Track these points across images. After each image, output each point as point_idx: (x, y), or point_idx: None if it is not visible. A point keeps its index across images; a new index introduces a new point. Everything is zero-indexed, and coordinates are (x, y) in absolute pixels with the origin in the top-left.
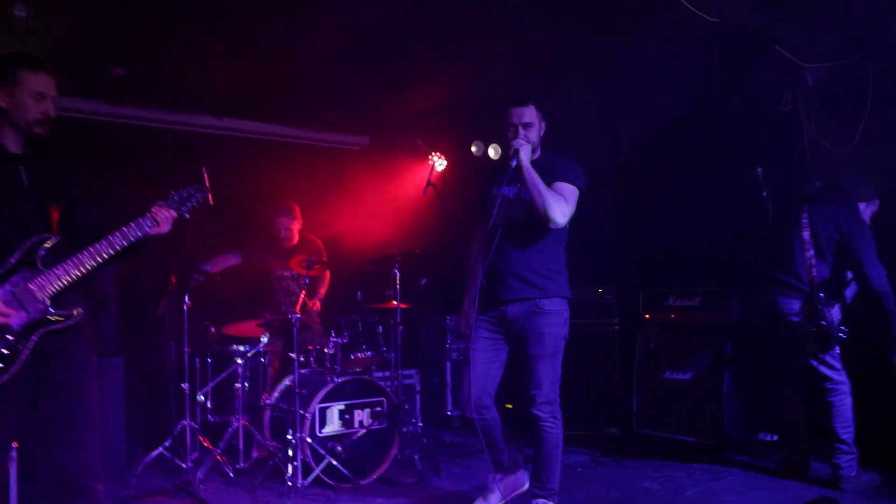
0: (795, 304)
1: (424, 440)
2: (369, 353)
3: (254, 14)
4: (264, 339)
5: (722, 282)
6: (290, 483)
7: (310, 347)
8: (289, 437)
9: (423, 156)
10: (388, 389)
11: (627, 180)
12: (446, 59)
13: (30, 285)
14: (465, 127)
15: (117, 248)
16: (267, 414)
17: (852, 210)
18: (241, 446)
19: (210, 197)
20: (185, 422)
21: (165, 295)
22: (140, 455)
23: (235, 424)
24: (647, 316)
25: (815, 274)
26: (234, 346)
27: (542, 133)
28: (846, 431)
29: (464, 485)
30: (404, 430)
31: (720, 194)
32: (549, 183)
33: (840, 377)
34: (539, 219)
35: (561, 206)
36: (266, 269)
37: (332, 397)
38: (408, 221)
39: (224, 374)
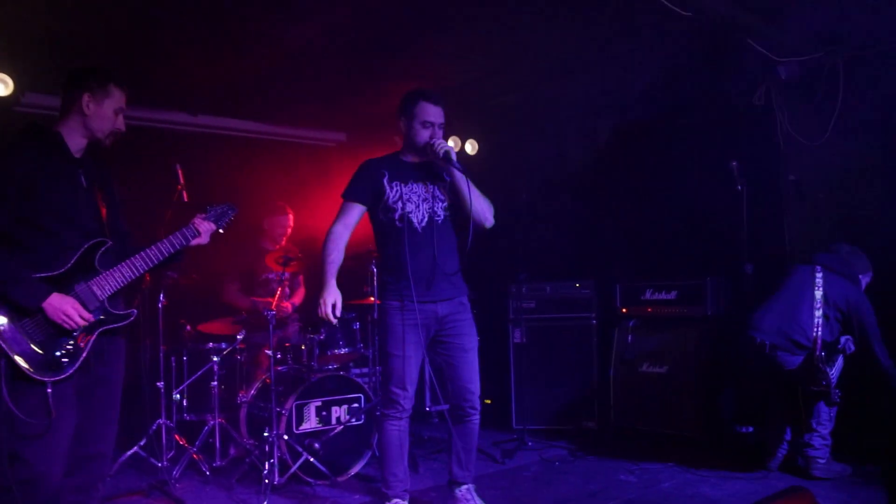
0: (798, 360)
1: None
2: (346, 349)
3: (227, 10)
4: (239, 337)
5: (698, 275)
6: (266, 481)
7: (287, 345)
8: (265, 434)
9: None
10: (366, 386)
11: (604, 173)
12: (421, 54)
13: (91, 286)
14: None
15: (164, 254)
16: (243, 412)
17: (858, 286)
18: (217, 444)
19: (185, 194)
20: (160, 420)
21: (140, 293)
22: (115, 454)
23: (211, 423)
24: (624, 310)
25: (819, 333)
26: (210, 344)
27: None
28: (824, 422)
29: (441, 479)
30: None
31: (696, 188)
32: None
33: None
34: (473, 219)
35: (491, 208)
36: (255, 271)
37: (308, 394)
38: None
39: (200, 373)
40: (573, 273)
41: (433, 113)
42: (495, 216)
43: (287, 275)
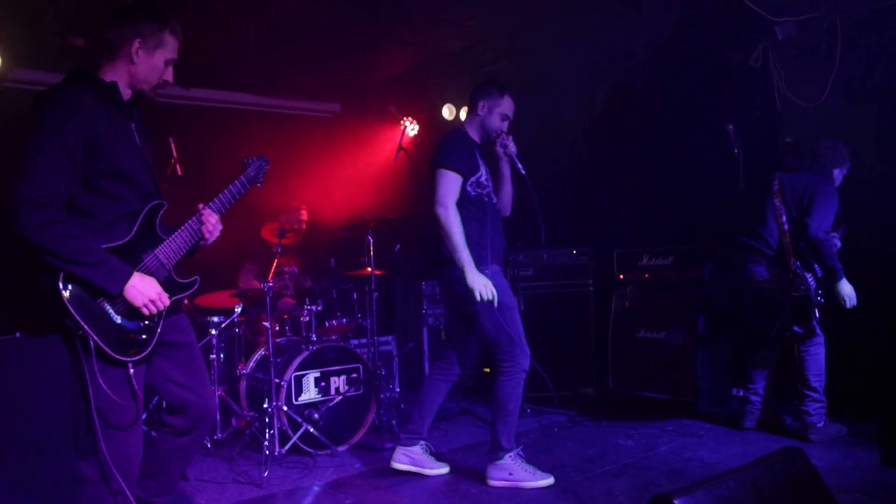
0: (764, 271)
1: (402, 405)
2: (344, 319)
3: None
4: (237, 310)
5: (695, 240)
6: (267, 452)
7: (285, 316)
8: (265, 406)
9: (395, 121)
10: (364, 356)
11: (601, 139)
12: (415, 21)
13: (158, 255)
14: (435, 90)
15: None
16: (243, 384)
17: (825, 176)
18: (217, 417)
19: (178, 168)
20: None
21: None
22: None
23: None
24: (621, 276)
25: (789, 241)
26: (208, 318)
27: None
28: (817, 380)
29: (441, 447)
30: (381, 396)
31: (692, 151)
32: None
33: (814, 334)
34: (504, 209)
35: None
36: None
37: (307, 365)
38: (381, 187)
39: (198, 345)
40: (570, 240)
41: (512, 108)
42: None
43: (280, 247)
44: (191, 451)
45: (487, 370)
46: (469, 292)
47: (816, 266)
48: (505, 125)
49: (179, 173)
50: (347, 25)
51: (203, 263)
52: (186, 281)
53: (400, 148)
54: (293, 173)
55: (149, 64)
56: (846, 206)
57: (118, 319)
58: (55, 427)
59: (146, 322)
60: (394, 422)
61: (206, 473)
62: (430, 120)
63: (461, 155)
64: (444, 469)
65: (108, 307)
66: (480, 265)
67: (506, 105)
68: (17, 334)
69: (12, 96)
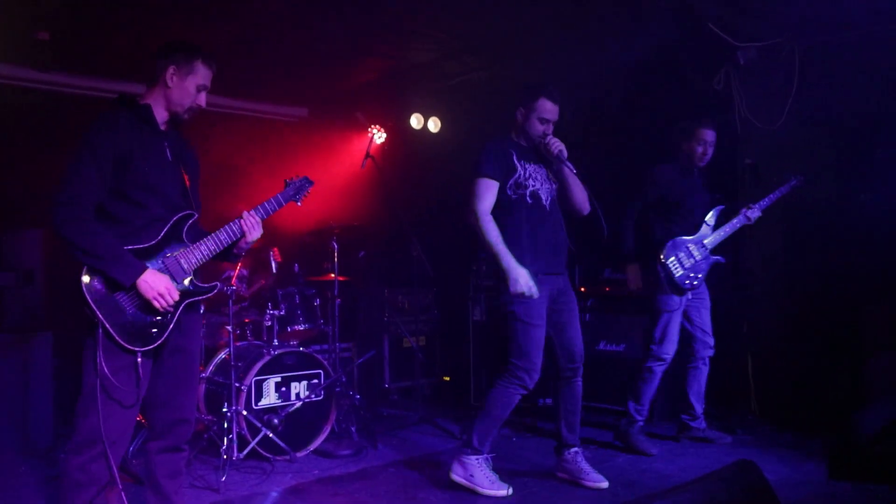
0: None
1: (361, 412)
2: (307, 325)
3: None
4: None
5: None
6: (225, 456)
7: (246, 321)
8: (224, 410)
9: (363, 128)
10: (326, 362)
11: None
12: (386, 31)
13: (179, 258)
14: (404, 100)
15: (236, 231)
16: (202, 387)
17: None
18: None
19: None
20: None
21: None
22: (69, 432)
23: None
24: (582, 289)
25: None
26: None
27: None
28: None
29: (400, 456)
30: (341, 402)
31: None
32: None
33: None
34: (573, 208)
35: (587, 195)
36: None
37: (268, 370)
38: (347, 194)
39: None
40: None
41: (551, 111)
42: (460, 192)
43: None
44: (179, 466)
45: (447, 378)
46: (501, 283)
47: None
48: (547, 128)
49: None
50: (319, 33)
51: None
52: (205, 286)
53: (367, 155)
54: (259, 175)
55: (181, 88)
56: (796, 227)
57: (132, 313)
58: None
59: (158, 318)
60: (353, 428)
61: None
62: (397, 129)
63: (492, 159)
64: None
65: (124, 301)
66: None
67: (541, 108)
68: None
69: None
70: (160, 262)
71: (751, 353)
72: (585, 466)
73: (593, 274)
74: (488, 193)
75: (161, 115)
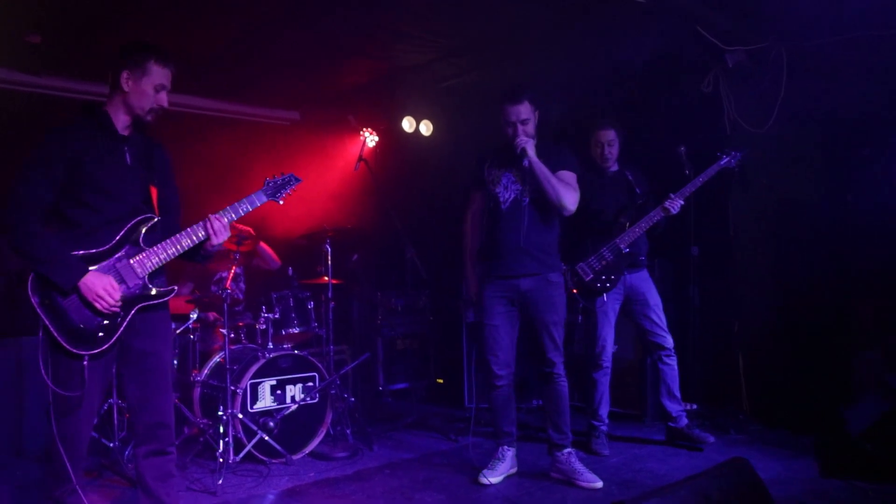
0: None
1: (356, 415)
2: (301, 328)
3: None
4: (193, 316)
5: (650, 258)
6: (221, 459)
7: (241, 324)
8: (220, 413)
9: (355, 131)
10: (320, 365)
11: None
12: (378, 33)
13: (132, 262)
14: (396, 103)
15: (200, 235)
16: (197, 391)
17: None
18: (171, 428)
19: None
20: (111, 400)
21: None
22: None
23: None
24: (574, 290)
25: None
26: None
27: (536, 123)
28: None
29: (395, 458)
30: (336, 405)
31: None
32: (553, 170)
33: None
34: (551, 207)
35: (571, 195)
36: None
37: (263, 373)
38: (339, 197)
39: None
40: None
41: (510, 112)
42: (453, 194)
43: (239, 255)
44: (167, 468)
45: (440, 380)
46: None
47: None
48: (515, 129)
49: None
50: (309, 35)
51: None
52: (160, 290)
53: (360, 158)
54: (251, 178)
55: (138, 92)
56: (785, 227)
57: (77, 316)
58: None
59: (106, 322)
60: (348, 431)
61: None
62: (389, 132)
63: (474, 170)
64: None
65: (70, 305)
66: (480, 275)
67: (505, 114)
68: None
69: None
70: (112, 265)
71: (741, 351)
72: (579, 466)
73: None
74: (471, 203)
75: (122, 119)
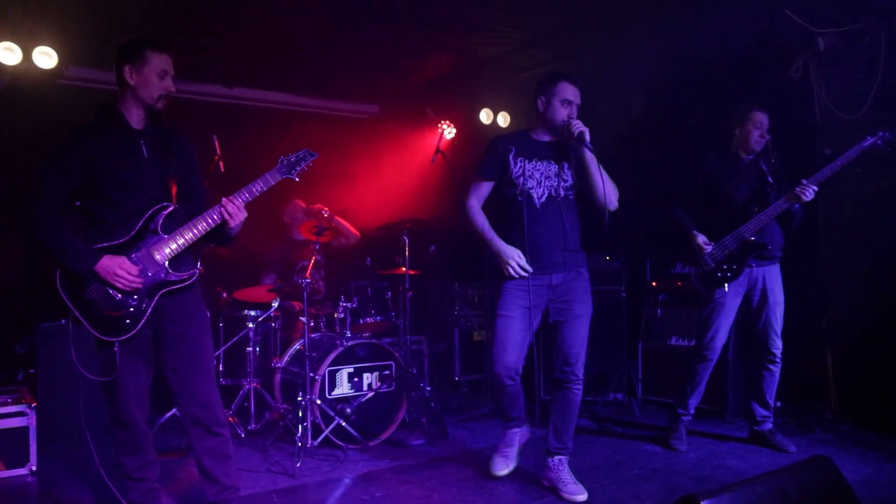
0: None
1: (432, 404)
2: (378, 317)
3: None
4: (275, 304)
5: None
6: (299, 444)
7: (320, 312)
8: (299, 399)
9: (433, 124)
10: (397, 354)
11: (636, 146)
12: (455, 26)
13: (151, 250)
14: (473, 95)
15: (216, 218)
16: (278, 377)
17: None
18: (252, 408)
19: (221, 164)
20: None
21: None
22: (155, 416)
23: (247, 387)
24: (653, 283)
25: None
26: (246, 311)
27: None
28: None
29: (470, 447)
30: (412, 393)
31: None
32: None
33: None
34: (595, 200)
35: (616, 192)
36: (292, 261)
37: (341, 360)
38: (417, 189)
39: (235, 338)
40: (603, 246)
41: (572, 92)
42: None
43: (319, 244)
44: (220, 449)
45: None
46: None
47: None
48: (571, 111)
49: (222, 170)
50: (387, 29)
51: (241, 258)
52: (181, 274)
53: (437, 150)
54: (332, 172)
55: (142, 82)
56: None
57: (103, 304)
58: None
59: (132, 308)
60: (424, 419)
61: (240, 462)
62: (467, 124)
63: (489, 159)
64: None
65: (95, 294)
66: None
67: (562, 90)
68: (63, 321)
69: (67, 93)
70: (132, 255)
71: (830, 347)
72: (566, 476)
73: (664, 268)
74: (478, 189)
75: (135, 114)
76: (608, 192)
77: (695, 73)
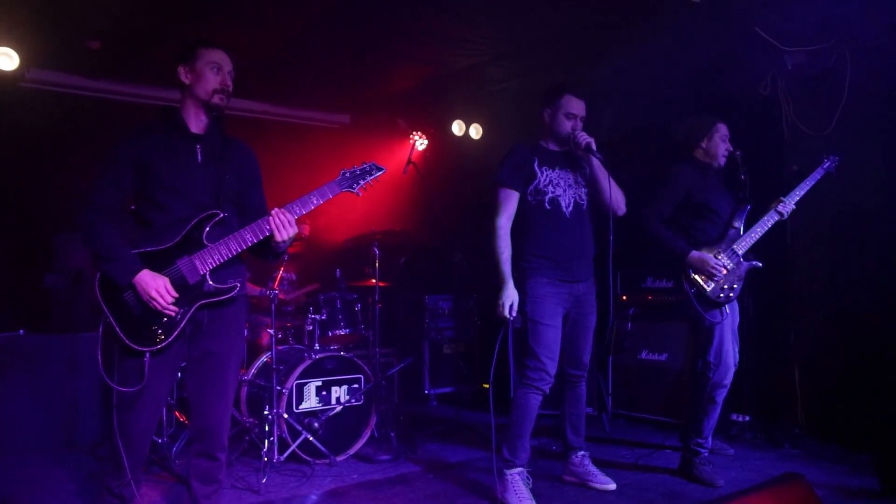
0: None
1: (401, 418)
2: (347, 330)
3: None
4: None
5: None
6: (265, 458)
7: (288, 325)
8: (265, 413)
9: (404, 135)
10: (366, 367)
11: (608, 163)
12: (426, 38)
13: (194, 259)
14: (445, 106)
15: (265, 230)
16: (244, 390)
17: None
18: (223, 434)
19: None
20: None
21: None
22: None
23: None
24: (624, 297)
25: None
26: None
27: None
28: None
29: (439, 462)
30: (381, 407)
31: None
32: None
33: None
34: (605, 205)
35: (624, 198)
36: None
37: (309, 374)
38: (388, 200)
39: None
40: None
41: (576, 106)
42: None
43: (287, 256)
44: (212, 474)
45: (486, 385)
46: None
47: None
48: (575, 123)
49: None
50: (359, 40)
51: None
52: (222, 287)
53: (409, 162)
54: (301, 181)
55: (197, 78)
56: (844, 236)
57: (138, 313)
58: (52, 424)
59: (165, 319)
60: (392, 434)
61: None
62: (439, 135)
63: (512, 168)
64: None
65: (132, 303)
66: (528, 277)
67: (566, 104)
68: (21, 332)
69: (30, 96)
70: (172, 263)
71: (798, 364)
72: (593, 469)
73: (635, 282)
74: (508, 204)
75: (195, 117)
76: (616, 197)
77: (665, 89)
